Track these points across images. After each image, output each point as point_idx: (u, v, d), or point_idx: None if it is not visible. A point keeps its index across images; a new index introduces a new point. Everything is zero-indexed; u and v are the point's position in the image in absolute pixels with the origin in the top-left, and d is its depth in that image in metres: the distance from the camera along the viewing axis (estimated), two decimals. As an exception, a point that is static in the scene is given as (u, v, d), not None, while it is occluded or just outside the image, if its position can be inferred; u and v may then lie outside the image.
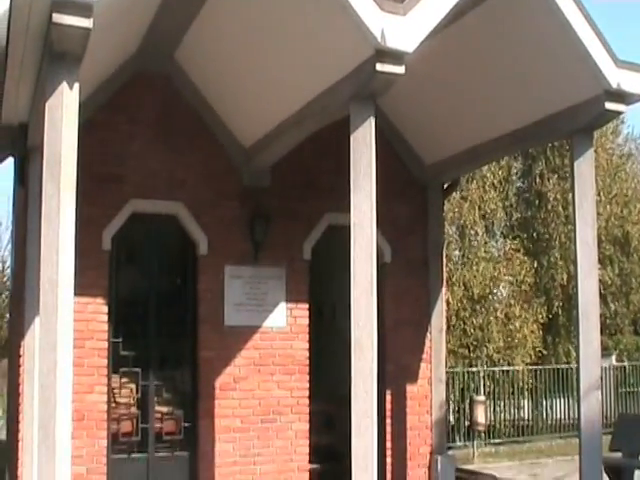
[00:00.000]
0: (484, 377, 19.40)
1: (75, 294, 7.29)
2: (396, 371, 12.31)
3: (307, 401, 11.67)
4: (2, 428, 18.13)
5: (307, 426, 11.65)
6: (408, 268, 12.55)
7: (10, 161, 11.16)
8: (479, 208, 21.26)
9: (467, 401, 18.60)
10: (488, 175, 21.57)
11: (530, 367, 20.76)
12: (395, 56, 8.00)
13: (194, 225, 11.25)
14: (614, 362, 24.95)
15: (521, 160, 24.30)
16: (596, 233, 10.14)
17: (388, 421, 12.26)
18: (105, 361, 10.64)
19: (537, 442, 20.00)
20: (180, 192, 11.20)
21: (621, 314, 25.02)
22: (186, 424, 11.19)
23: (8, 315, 20.17)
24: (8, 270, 25.00)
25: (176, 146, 11.26)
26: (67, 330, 7.01)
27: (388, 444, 12.23)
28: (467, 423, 18.57)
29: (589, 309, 9.92)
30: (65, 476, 6.93)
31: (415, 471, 12.42)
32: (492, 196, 21.68)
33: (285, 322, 11.63)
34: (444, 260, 13.32)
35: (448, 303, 17.95)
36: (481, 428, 17.85)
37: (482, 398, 17.97)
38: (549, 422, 21.08)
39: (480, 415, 17.49)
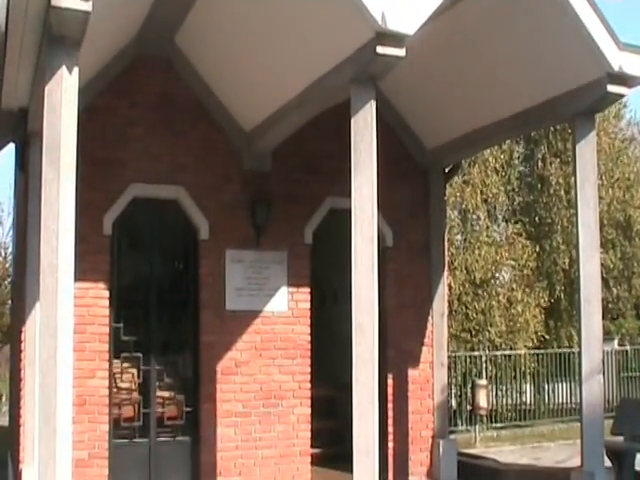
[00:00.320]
0: (486, 361, 19.37)
1: (76, 279, 7.29)
2: (398, 355, 12.31)
3: (309, 385, 11.67)
4: (5, 414, 18.20)
5: (309, 410, 11.65)
6: (410, 252, 12.54)
7: (12, 147, 11.16)
8: (481, 192, 21.19)
9: (469, 385, 18.60)
10: (490, 159, 21.49)
11: (532, 351, 20.75)
12: (396, 38, 7.97)
13: (195, 209, 11.23)
14: (616, 346, 24.93)
15: (523, 144, 24.23)
16: (598, 216, 10.12)
17: (390, 405, 12.25)
18: (106, 346, 10.64)
19: (539, 426, 20.03)
20: (181, 176, 11.18)
21: (623, 298, 24.97)
22: (188, 409, 11.19)
23: (10, 302, 20.21)
24: (10, 257, 24.97)
25: (177, 130, 11.23)
26: (67, 315, 7.01)
27: (390, 428, 12.22)
28: (469, 407, 18.56)
29: (591, 292, 9.90)
30: (66, 461, 6.94)
31: (417, 455, 12.43)
32: (494, 180, 21.60)
33: (286, 306, 11.61)
34: (446, 244, 13.30)
35: (450, 287, 17.96)
36: (483, 412, 17.85)
37: (484, 382, 17.95)
38: (551, 406, 21.08)
39: (482, 399, 17.48)
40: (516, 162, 24.03)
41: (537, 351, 20.95)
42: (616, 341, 25.77)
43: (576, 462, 10.81)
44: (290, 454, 11.47)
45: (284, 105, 10.14)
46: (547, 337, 22.26)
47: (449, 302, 16.43)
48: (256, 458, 11.26)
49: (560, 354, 21.08)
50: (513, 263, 21.00)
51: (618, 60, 9.36)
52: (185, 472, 11.06)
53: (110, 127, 10.85)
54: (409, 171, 12.67)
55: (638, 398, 21.84)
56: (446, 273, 13.18)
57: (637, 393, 22.64)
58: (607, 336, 21.53)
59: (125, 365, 11.08)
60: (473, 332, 19.92)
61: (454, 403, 18.87)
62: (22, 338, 10.09)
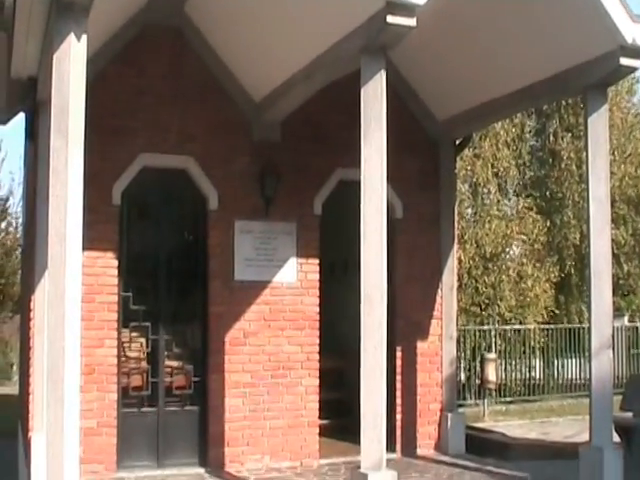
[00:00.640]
0: (495, 336, 19.37)
1: (85, 249, 7.30)
2: (406, 327, 12.30)
3: (317, 357, 11.67)
4: (17, 383, 18.28)
5: (317, 382, 11.66)
6: (419, 224, 12.50)
7: (22, 117, 11.15)
8: (492, 166, 21.12)
9: (478, 359, 18.60)
10: (501, 133, 21.39)
11: (542, 326, 20.73)
12: (406, 8, 7.92)
13: (204, 179, 11.21)
14: (626, 323, 24.91)
15: (535, 118, 24.14)
16: (609, 190, 10.06)
17: (398, 378, 12.26)
18: (115, 315, 10.66)
19: (548, 401, 20.04)
20: (190, 146, 11.15)
21: (634, 275, 24.85)
22: (196, 379, 11.21)
23: (20, 271, 20.28)
24: (21, 227, 25.03)
25: (187, 100, 11.19)
26: (75, 282, 7.01)
27: (398, 400, 12.23)
28: (478, 381, 18.57)
29: (601, 266, 9.86)
30: (74, 428, 6.96)
31: (425, 428, 12.45)
32: (505, 154, 21.51)
33: (295, 277, 11.61)
34: (456, 217, 13.26)
35: (460, 261, 17.95)
36: (492, 386, 17.84)
37: (493, 356, 17.94)
38: (560, 381, 21.08)
39: (491, 373, 17.47)
40: (527, 136, 23.94)
41: (547, 326, 20.92)
42: (626, 318, 25.78)
43: (584, 437, 10.81)
44: (298, 425, 11.49)
45: (294, 75, 10.09)
46: (557, 312, 22.24)
47: (459, 276, 16.42)
48: (264, 429, 11.29)
49: (570, 329, 21.06)
50: (524, 237, 20.95)
51: (632, 32, 9.27)
52: (193, 441, 11.09)
53: (119, 96, 10.80)
54: (419, 143, 12.62)
55: (647, 374, 21.83)
56: (456, 246, 13.16)
57: (646, 370, 22.62)
58: (617, 312, 21.53)
59: (134, 334, 11.09)
60: (483, 306, 19.91)
61: (463, 377, 18.90)
62: (31, 307, 10.11)
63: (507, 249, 20.76)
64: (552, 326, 21.07)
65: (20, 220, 26.30)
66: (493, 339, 19.21)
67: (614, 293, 10.51)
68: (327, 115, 11.75)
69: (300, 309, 11.61)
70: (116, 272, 10.66)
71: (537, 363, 21.06)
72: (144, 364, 11.13)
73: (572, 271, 22.77)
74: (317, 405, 11.67)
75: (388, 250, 8.42)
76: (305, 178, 11.68)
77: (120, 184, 10.74)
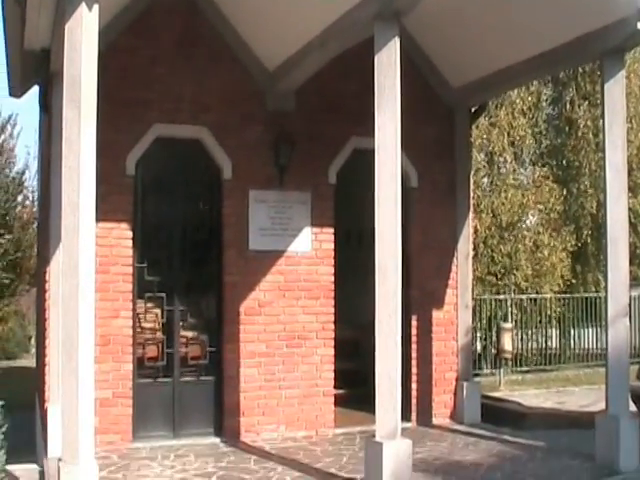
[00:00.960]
0: (512, 305, 19.27)
1: (99, 219, 7.31)
2: (421, 296, 12.29)
3: (332, 326, 11.68)
4: (34, 355, 18.34)
5: (332, 351, 11.67)
6: (435, 193, 12.44)
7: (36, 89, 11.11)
8: (508, 135, 20.94)
9: (494, 329, 18.56)
10: (517, 101, 21.20)
11: (558, 295, 20.64)
12: (420, -27, 7.84)
13: (218, 149, 11.18)
14: (643, 292, 24.77)
15: (551, 86, 23.89)
16: (626, 158, 9.96)
17: (413, 347, 12.26)
18: (130, 286, 10.67)
19: (564, 371, 19.96)
20: (204, 116, 11.11)
21: (651, 244, 24.72)
22: (211, 349, 11.25)
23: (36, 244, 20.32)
24: (37, 200, 25.09)
25: (200, 70, 11.14)
26: (88, 253, 7.04)
27: (413, 369, 12.25)
28: (494, 351, 18.54)
29: (618, 234, 9.78)
30: (88, 398, 7.00)
31: (441, 397, 12.46)
32: (521, 123, 21.31)
33: (310, 247, 11.59)
34: (471, 185, 13.19)
35: (476, 230, 17.86)
36: (508, 356, 17.79)
37: (509, 325, 17.88)
38: (576, 351, 20.99)
39: (507, 343, 17.43)
40: (544, 104, 23.70)
41: (563, 295, 20.82)
42: (643, 287, 25.60)
43: (600, 407, 10.79)
44: (313, 394, 11.51)
45: (307, 44, 10.02)
46: (573, 281, 22.12)
47: (475, 245, 16.37)
48: (279, 398, 11.32)
49: (587, 299, 20.94)
50: (540, 206, 20.81)
51: (650, -4, 9.16)
52: (208, 412, 11.14)
53: (132, 67, 10.77)
54: (434, 110, 12.54)
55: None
56: (471, 215, 13.10)
57: (663, 339, 22.51)
58: (634, 282, 21.34)
59: (149, 305, 11.12)
60: (499, 275, 19.80)
61: (479, 346, 18.85)
62: (46, 278, 10.14)
63: (523, 218, 20.63)
64: (568, 295, 20.96)
65: (36, 194, 26.37)
66: (509, 308, 19.13)
67: (631, 262, 10.43)
68: (341, 84, 11.67)
69: (315, 279, 11.60)
70: (130, 243, 10.67)
71: (553, 332, 20.96)
72: (159, 335, 11.17)
73: (588, 240, 22.59)
74: (332, 375, 11.69)
75: (403, 219, 8.38)
76: (319, 147, 11.63)
77: (134, 155, 10.72)
